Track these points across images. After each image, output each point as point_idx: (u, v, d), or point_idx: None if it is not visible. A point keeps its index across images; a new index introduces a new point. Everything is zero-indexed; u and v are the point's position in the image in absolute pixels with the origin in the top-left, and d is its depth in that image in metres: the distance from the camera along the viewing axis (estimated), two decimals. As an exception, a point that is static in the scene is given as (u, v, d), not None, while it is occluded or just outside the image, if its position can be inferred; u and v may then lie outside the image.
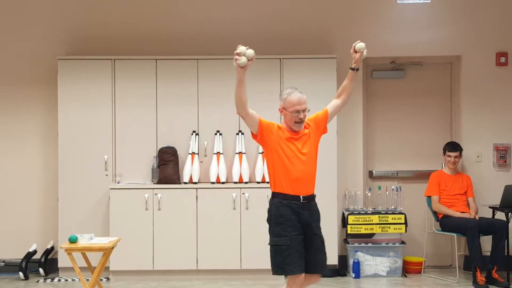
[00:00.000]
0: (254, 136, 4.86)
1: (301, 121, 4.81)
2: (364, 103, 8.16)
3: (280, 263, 4.73)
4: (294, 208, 4.74)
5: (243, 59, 4.50)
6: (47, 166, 7.99)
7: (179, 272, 7.46)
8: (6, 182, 8.03)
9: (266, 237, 7.35)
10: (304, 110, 4.80)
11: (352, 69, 5.10)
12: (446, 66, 8.36)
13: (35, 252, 7.79)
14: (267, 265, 7.34)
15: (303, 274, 4.73)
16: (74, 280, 7.45)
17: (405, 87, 8.33)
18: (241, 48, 4.53)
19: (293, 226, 4.72)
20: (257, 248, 7.43)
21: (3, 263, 7.77)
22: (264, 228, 7.38)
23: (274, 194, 4.82)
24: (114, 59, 7.71)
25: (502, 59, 8.06)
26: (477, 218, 7.39)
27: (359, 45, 5.03)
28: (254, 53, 4.53)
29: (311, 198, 4.85)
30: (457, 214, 7.47)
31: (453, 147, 7.74)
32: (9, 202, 8.03)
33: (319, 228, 4.87)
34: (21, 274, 7.64)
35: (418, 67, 8.31)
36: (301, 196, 4.76)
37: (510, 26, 8.10)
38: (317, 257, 4.82)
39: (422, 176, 8.10)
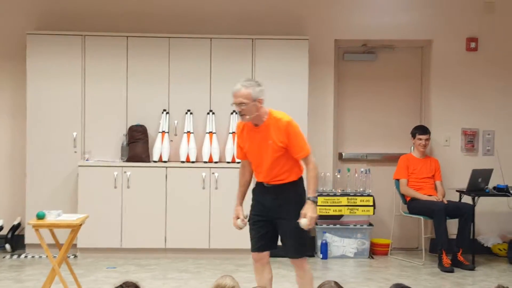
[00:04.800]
0: None
1: (240, 115, 4.79)
2: (335, 85, 8.18)
3: None
4: (260, 191, 4.92)
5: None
6: (15, 142, 7.90)
7: (147, 250, 7.46)
8: (-28, 158, 7.94)
9: (235, 216, 7.41)
10: (239, 104, 4.72)
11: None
12: (417, 50, 8.41)
13: (1, 228, 7.71)
14: (235, 244, 7.44)
15: (260, 253, 4.93)
16: (41, 256, 7.41)
17: (376, 70, 8.36)
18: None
19: (256, 207, 4.95)
20: (226, 227, 7.41)
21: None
22: (233, 207, 7.41)
23: None
24: (85, 35, 7.62)
25: (472, 45, 8.12)
26: (444, 201, 7.48)
27: (302, 221, 4.72)
28: None
29: (275, 186, 4.85)
30: (425, 197, 7.54)
31: (423, 130, 7.80)
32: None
33: (289, 212, 4.80)
34: (7, 246, 7.60)
35: (390, 50, 8.34)
36: (264, 183, 4.89)
37: (480, 12, 8.16)
38: (285, 241, 4.89)
39: (391, 159, 8.16)
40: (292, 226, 4.78)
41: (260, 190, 4.92)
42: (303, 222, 4.68)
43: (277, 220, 4.85)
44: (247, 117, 4.76)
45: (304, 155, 4.80)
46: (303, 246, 4.95)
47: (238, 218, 4.97)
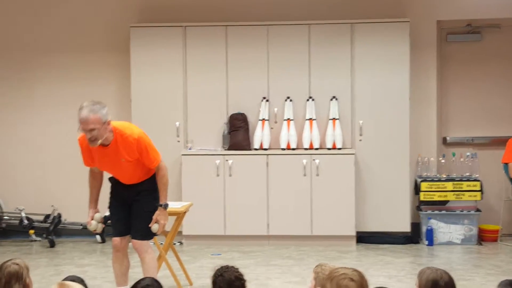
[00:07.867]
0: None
1: (91, 141, 4.66)
2: (438, 68, 7.96)
3: None
4: (119, 183, 5.02)
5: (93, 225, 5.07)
6: (121, 133, 8.12)
7: (250, 238, 7.52)
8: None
9: (337, 203, 7.37)
10: (91, 130, 4.59)
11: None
12: (525, 28, 8.06)
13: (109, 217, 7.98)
14: (338, 231, 7.39)
15: (123, 239, 5.01)
16: (148, 244, 7.61)
17: (481, 51, 8.07)
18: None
19: (114, 194, 5.08)
20: (328, 214, 7.42)
21: (81, 227, 7.99)
22: (335, 194, 7.38)
23: None
24: (185, 26, 7.74)
25: None
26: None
27: (154, 226, 4.95)
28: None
29: (134, 184, 4.97)
30: (535, 182, 7.27)
31: (531, 111, 7.50)
32: (85, 169, 8.19)
33: (144, 196, 4.95)
34: (98, 237, 7.87)
35: (496, 29, 8.03)
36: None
37: None
38: (133, 221, 4.97)
39: (499, 142, 7.87)
40: (143, 208, 4.90)
41: (119, 183, 5.01)
42: (155, 227, 4.89)
43: (132, 202, 4.94)
44: (99, 141, 4.66)
45: (155, 165, 4.93)
46: (149, 231, 4.95)
47: (92, 219, 5.04)
